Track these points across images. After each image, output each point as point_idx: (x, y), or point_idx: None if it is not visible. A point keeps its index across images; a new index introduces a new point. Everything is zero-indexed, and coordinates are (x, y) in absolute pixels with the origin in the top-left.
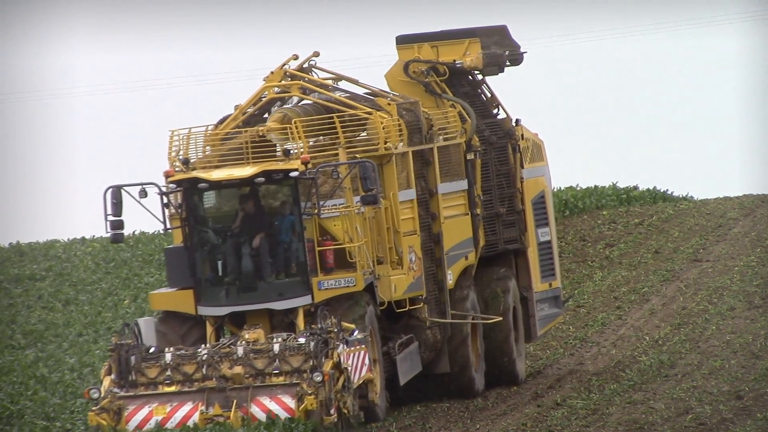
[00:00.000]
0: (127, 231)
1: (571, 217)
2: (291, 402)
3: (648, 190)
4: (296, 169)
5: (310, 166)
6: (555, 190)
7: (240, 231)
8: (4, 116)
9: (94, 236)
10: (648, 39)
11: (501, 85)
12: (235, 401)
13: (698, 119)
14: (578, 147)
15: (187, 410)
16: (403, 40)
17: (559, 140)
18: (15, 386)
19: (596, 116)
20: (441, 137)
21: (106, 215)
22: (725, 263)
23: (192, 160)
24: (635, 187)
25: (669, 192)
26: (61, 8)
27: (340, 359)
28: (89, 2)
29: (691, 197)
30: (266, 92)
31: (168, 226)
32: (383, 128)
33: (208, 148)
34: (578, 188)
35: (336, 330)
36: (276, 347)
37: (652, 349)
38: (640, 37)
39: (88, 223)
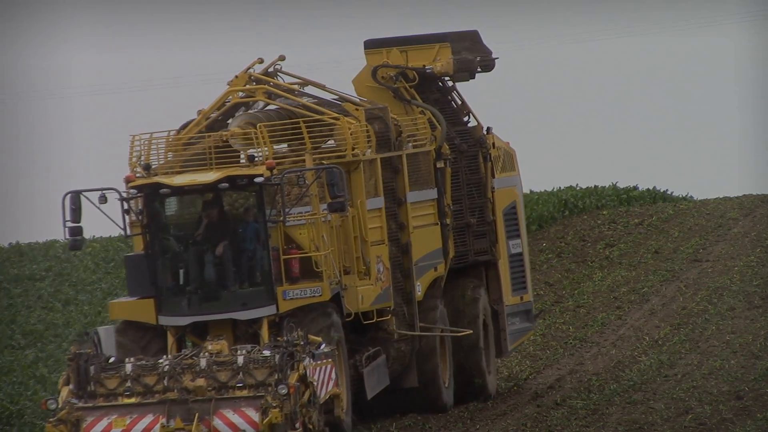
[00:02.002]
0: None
1: (571, 217)
2: (255, 415)
3: (648, 190)
4: (261, 175)
5: (275, 171)
6: (555, 190)
7: (203, 238)
8: (4, 116)
9: (93, 236)
10: (648, 38)
11: (472, 92)
12: (197, 414)
13: (698, 119)
14: (578, 147)
15: (147, 422)
16: (371, 45)
17: (556, 141)
18: (15, 386)
19: (595, 116)
20: (410, 144)
21: (64, 222)
22: (725, 263)
23: (153, 166)
24: (635, 187)
25: (669, 192)
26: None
27: (306, 372)
28: (53, 6)
29: (691, 197)
30: (230, 97)
31: (128, 233)
32: (351, 134)
33: (170, 153)
34: (578, 188)
35: (302, 342)
36: (240, 359)
37: (652, 349)
38: (640, 37)
39: (88, 223)
